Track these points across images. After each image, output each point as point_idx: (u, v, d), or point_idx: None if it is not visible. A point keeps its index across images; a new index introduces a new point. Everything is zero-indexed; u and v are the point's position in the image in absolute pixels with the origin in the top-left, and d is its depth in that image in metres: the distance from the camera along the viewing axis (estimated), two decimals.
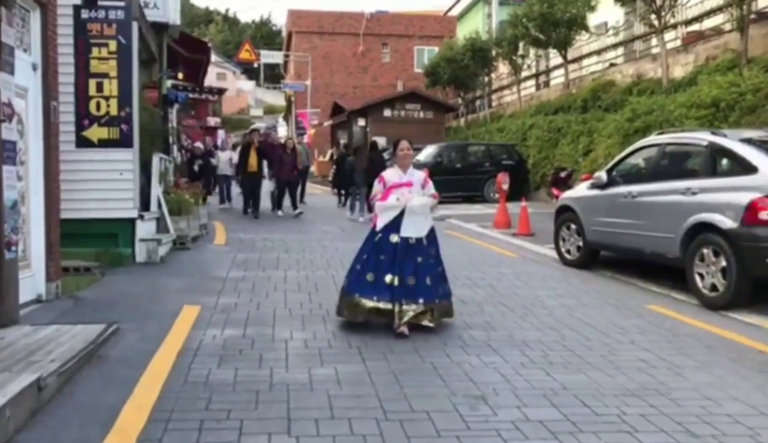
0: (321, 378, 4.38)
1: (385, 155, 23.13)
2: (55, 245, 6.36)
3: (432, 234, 5.69)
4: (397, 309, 5.35)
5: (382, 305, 5.39)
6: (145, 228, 8.45)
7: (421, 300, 5.42)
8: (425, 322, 5.47)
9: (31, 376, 3.75)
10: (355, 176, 14.57)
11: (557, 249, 9.54)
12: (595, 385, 4.38)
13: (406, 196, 5.60)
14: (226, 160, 17.04)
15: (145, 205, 8.87)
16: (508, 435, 3.57)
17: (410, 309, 5.38)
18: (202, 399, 3.96)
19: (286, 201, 15.28)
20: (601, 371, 4.68)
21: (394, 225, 5.55)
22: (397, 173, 5.78)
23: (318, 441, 3.44)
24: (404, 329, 5.34)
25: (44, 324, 5.29)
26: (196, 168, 16.28)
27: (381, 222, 5.61)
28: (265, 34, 73.64)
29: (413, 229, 5.54)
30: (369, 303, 5.41)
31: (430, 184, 5.87)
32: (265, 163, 15.15)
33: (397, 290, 5.38)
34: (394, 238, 5.50)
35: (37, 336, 4.81)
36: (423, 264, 5.51)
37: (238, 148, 16.30)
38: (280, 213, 14.86)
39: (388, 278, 5.42)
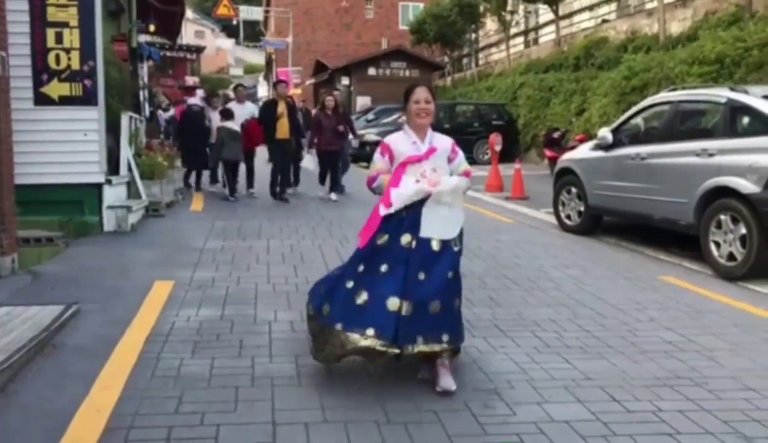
0: (310, 369, 3.80)
1: (370, 115, 22.61)
2: (8, 215, 5.69)
3: (461, 233, 3.77)
4: (407, 351, 3.49)
5: (380, 344, 3.44)
6: (113, 194, 7.76)
7: (446, 338, 3.55)
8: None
9: None
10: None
11: (556, 214, 9.01)
12: (621, 374, 3.87)
13: (430, 175, 3.65)
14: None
15: (113, 168, 8.16)
16: (532, 441, 3.04)
17: (425, 348, 3.52)
18: (171, 399, 3.37)
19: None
20: (624, 356, 4.17)
21: (409, 218, 3.61)
22: (410, 139, 3.76)
23: None
24: (447, 380, 3.55)
25: None
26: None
27: (396, 205, 3.63)
28: None
29: (439, 227, 3.61)
30: (361, 340, 3.44)
31: (461, 155, 3.91)
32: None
33: (405, 322, 3.45)
34: (406, 239, 3.57)
35: None
36: (453, 280, 3.62)
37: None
38: (321, 193, 11.29)
39: (392, 302, 3.46)
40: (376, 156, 3.86)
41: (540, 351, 4.23)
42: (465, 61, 30.35)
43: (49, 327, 4.16)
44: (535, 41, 25.11)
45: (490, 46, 28.60)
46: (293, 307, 5.00)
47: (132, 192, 8.51)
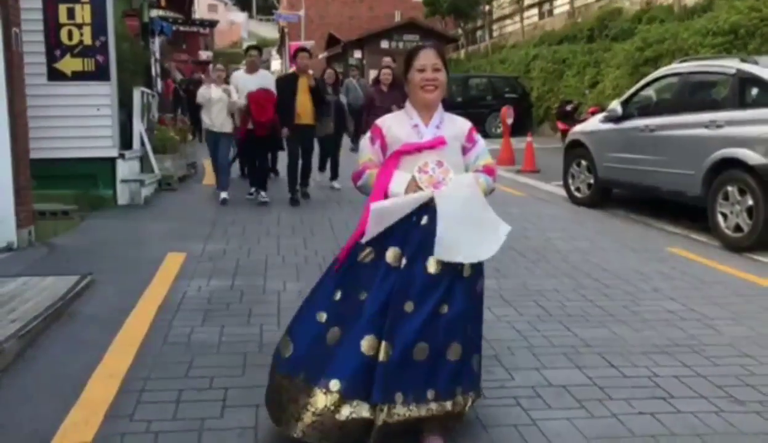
0: None
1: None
2: (25, 188, 5.83)
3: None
4: (382, 415, 2.46)
5: (348, 407, 2.47)
6: (127, 168, 7.90)
7: (430, 394, 2.53)
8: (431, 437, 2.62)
9: None
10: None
11: (566, 186, 9.04)
12: (621, 341, 3.94)
13: (432, 171, 2.63)
14: (218, 101, 8.30)
15: (126, 143, 8.28)
16: (528, 404, 3.13)
17: (405, 412, 2.48)
18: (182, 364, 3.51)
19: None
20: (625, 324, 4.24)
21: (400, 231, 2.60)
22: (410, 121, 2.76)
23: None
24: None
25: (12, 276, 4.82)
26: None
27: (375, 228, 2.59)
28: None
29: (449, 246, 2.54)
30: (320, 397, 2.48)
31: (480, 144, 2.84)
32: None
33: (382, 372, 2.48)
34: (393, 254, 2.57)
35: (0, 291, 4.34)
36: (452, 318, 2.57)
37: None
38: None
39: (367, 343, 2.51)
40: (364, 142, 2.84)
41: (542, 319, 4.31)
42: (479, 33, 30.08)
43: (65, 296, 4.30)
44: (549, 13, 24.82)
45: (503, 17, 28.32)
46: (302, 278, 5.11)
47: (145, 166, 8.65)
